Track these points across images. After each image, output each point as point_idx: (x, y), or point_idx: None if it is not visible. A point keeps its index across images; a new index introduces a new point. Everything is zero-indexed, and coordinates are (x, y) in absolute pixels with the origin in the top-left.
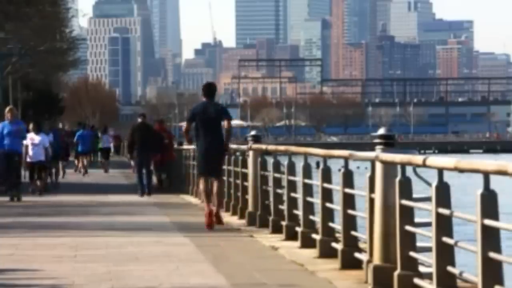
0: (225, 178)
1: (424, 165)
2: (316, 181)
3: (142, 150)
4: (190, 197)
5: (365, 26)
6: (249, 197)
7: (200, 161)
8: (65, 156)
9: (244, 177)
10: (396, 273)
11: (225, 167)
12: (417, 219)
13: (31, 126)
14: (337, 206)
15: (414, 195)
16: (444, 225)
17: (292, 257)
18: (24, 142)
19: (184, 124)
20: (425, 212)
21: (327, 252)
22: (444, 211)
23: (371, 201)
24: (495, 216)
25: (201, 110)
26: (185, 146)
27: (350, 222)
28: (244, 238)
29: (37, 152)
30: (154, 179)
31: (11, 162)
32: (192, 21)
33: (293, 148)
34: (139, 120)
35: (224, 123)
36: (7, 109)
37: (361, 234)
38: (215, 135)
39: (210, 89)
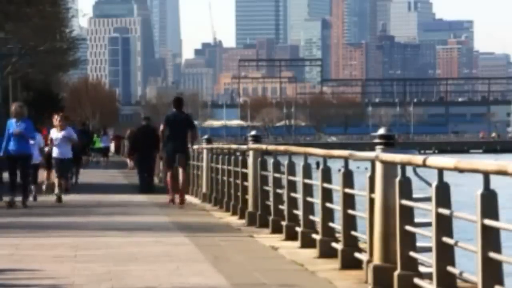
0: (225, 178)
1: (424, 165)
2: (316, 181)
3: (144, 151)
4: (190, 197)
5: (365, 26)
6: (249, 197)
7: (169, 156)
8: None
9: (244, 177)
10: (396, 273)
11: (224, 167)
12: (417, 219)
13: None
14: (337, 206)
15: (414, 195)
16: (444, 225)
17: (292, 257)
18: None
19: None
20: (425, 212)
21: (327, 252)
22: (444, 211)
23: (371, 201)
24: (495, 216)
25: (172, 118)
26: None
27: (350, 222)
28: (244, 238)
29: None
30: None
31: (20, 165)
32: (192, 21)
33: (293, 148)
34: (143, 123)
35: (191, 130)
36: (14, 106)
37: (361, 234)
38: (182, 137)
39: (178, 102)
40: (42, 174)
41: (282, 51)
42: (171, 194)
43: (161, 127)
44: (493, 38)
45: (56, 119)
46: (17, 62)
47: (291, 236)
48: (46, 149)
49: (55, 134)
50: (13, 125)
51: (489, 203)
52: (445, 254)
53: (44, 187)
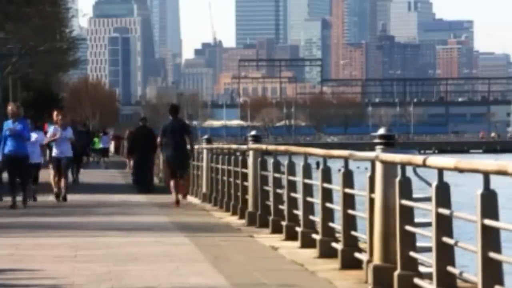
0: (225, 178)
1: (424, 165)
2: (316, 181)
3: (143, 152)
4: (190, 197)
5: (365, 26)
6: (249, 197)
7: (171, 163)
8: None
9: (244, 177)
10: (396, 273)
11: (224, 167)
12: (417, 219)
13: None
14: (337, 206)
15: (414, 195)
16: (444, 225)
17: (292, 257)
18: None
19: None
20: (425, 212)
21: (327, 252)
22: (444, 211)
23: (371, 201)
24: (495, 216)
25: (170, 126)
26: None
27: (350, 222)
28: (244, 238)
29: (33, 152)
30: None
31: (18, 166)
32: (192, 21)
33: (293, 148)
34: (140, 123)
35: (187, 136)
36: (11, 106)
37: (361, 234)
38: (180, 144)
39: (174, 109)
40: (43, 175)
41: (282, 51)
42: (176, 197)
43: (159, 138)
44: (493, 38)
45: (56, 117)
46: (17, 62)
47: (291, 236)
48: (47, 136)
49: (58, 132)
50: (9, 126)
51: (489, 203)
52: (445, 254)
53: (52, 197)
